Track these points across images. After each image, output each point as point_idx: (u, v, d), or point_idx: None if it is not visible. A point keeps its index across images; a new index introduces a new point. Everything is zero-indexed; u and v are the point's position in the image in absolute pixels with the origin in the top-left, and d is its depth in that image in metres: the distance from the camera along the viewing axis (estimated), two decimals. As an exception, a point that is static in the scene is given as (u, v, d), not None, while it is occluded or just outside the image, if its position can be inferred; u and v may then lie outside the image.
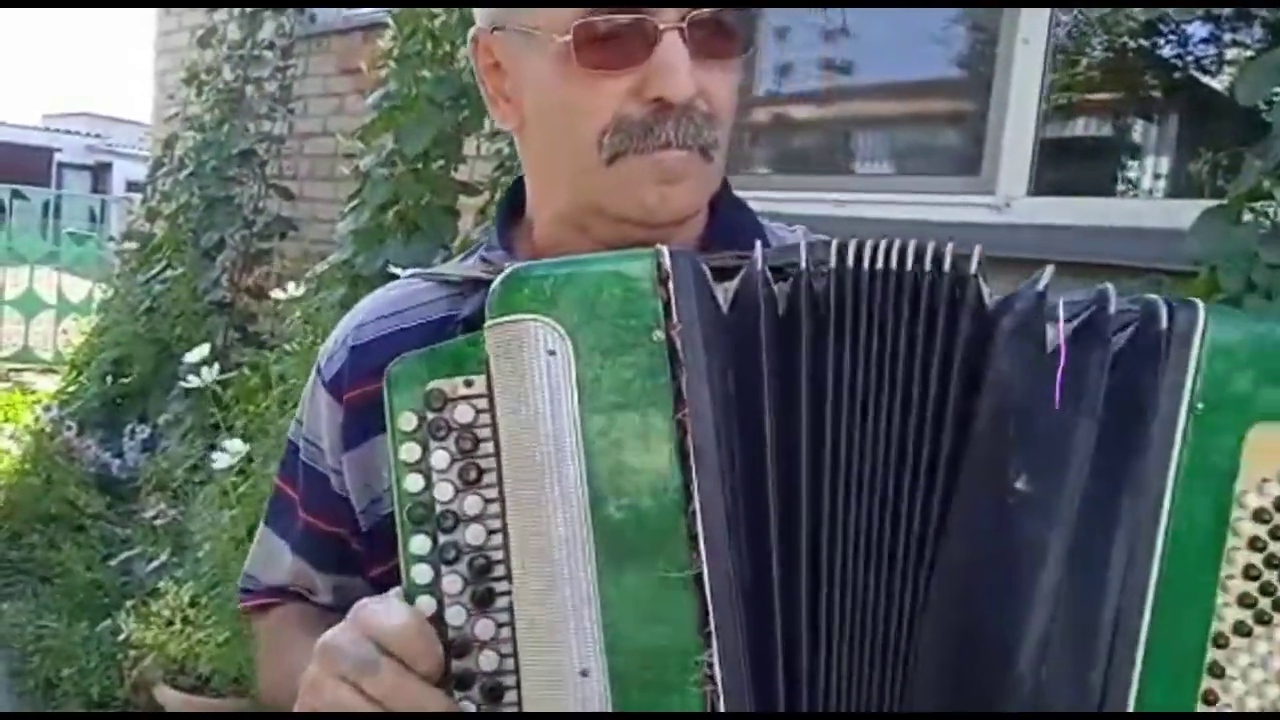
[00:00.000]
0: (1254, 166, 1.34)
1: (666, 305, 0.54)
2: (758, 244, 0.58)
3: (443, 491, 0.56)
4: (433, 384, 0.56)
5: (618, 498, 0.53)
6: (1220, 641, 0.54)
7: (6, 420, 4.46)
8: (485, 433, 0.56)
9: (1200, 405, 0.53)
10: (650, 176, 0.64)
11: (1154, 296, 0.56)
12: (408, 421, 0.56)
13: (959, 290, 0.56)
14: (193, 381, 2.25)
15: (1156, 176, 2.52)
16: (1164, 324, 0.54)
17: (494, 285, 0.56)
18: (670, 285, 0.54)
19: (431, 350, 0.58)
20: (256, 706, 2.10)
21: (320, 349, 0.79)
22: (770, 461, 0.55)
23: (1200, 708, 0.54)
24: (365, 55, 3.46)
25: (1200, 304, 0.55)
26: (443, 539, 0.56)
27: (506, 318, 0.55)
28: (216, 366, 2.28)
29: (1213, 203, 1.48)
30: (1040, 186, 2.32)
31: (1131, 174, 2.57)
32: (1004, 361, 0.54)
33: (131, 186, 14.64)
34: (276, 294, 2.30)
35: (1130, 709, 0.53)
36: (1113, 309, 0.55)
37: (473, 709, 0.55)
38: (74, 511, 3.37)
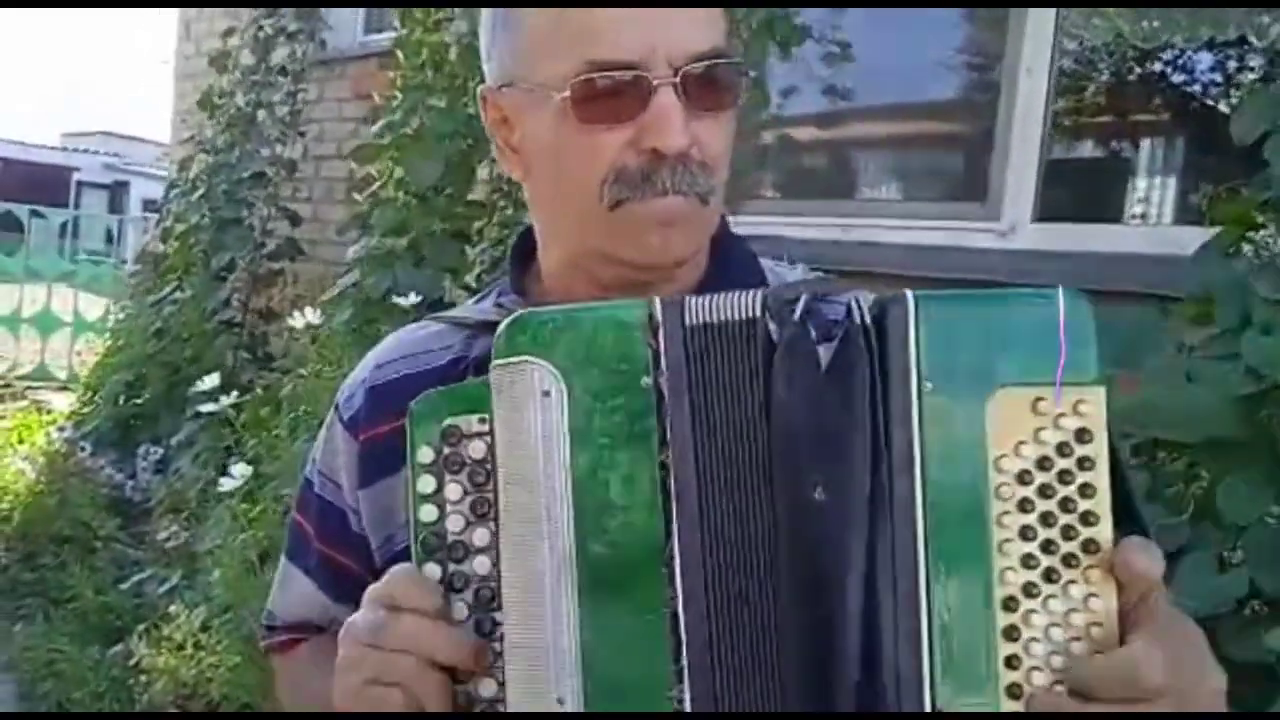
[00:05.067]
0: (1246, 198, 1.35)
1: (655, 354, 0.57)
2: (757, 291, 0.59)
3: (454, 523, 0.59)
4: (449, 420, 0.59)
5: (602, 534, 0.56)
6: (1011, 605, 0.54)
7: (21, 441, 4.50)
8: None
9: (929, 384, 0.55)
10: (650, 221, 0.67)
11: (864, 295, 0.58)
12: (425, 455, 0.59)
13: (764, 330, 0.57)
14: (207, 408, 2.29)
15: (1161, 203, 2.53)
16: (870, 318, 0.56)
17: (499, 329, 0.59)
18: (660, 335, 0.57)
19: (450, 388, 0.61)
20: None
21: (340, 384, 0.82)
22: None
23: (1005, 672, 0.54)
24: (380, 82, 3.51)
25: (909, 293, 0.56)
26: (452, 568, 0.59)
27: (508, 359, 0.58)
28: (233, 394, 2.31)
29: (1213, 232, 1.49)
30: (1045, 213, 2.34)
31: (1136, 201, 2.58)
32: (781, 387, 0.56)
33: (148, 205, 14.78)
34: (294, 321, 2.33)
35: (927, 678, 0.54)
36: (865, 319, 0.57)
37: None
38: (87, 533, 3.40)
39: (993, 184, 2.40)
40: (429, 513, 0.59)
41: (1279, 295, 1.31)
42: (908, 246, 2.47)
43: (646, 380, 0.56)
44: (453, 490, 0.59)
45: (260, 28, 4.09)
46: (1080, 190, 2.51)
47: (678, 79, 0.65)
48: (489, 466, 0.59)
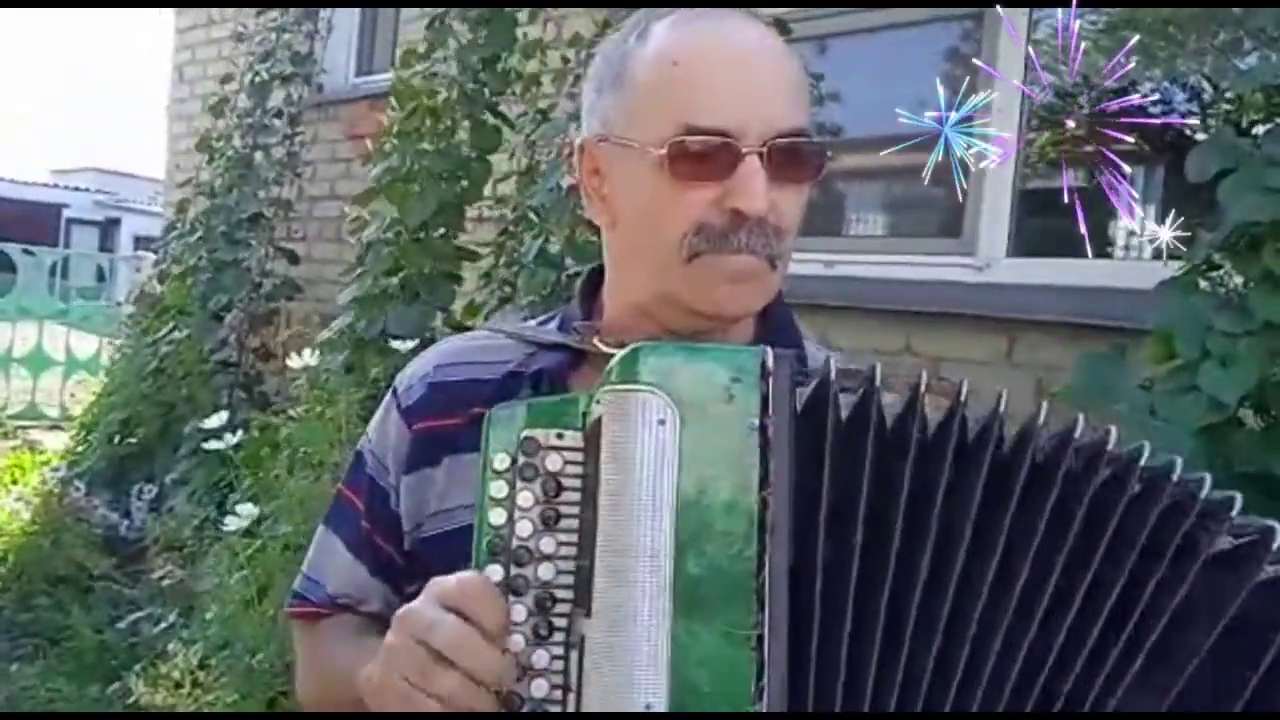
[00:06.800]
0: (1204, 240, 1.42)
1: (764, 398, 0.62)
2: (830, 356, 0.67)
3: (523, 529, 0.62)
4: (528, 431, 0.63)
5: (699, 555, 0.60)
6: None
7: (14, 482, 4.50)
8: (569, 481, 0.63)
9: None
10: (722, 276, 0.74)
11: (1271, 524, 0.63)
12: (501, 461, 0.63)
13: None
14: (212, 446, 2.33)
15: (1131, 234, 2.60)
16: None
17: (616, 357, 0.63)
18: (770, 381, 0.62)
19: (530, 402, 0.66)
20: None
21: (336, 422, 0.87)
22: (830, 546, 0.62)
23: None
24: (371, 123, 3.59)
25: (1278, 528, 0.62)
26: (514, 571, 0.62)
27: (624, 385, 0.62)
28: (238, 433, 2.36)
29: (1176, 266, 1.56)
30: (1020, 248, 2.42)
31: (1109, 235, 2.66)
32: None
33: (139, 242, 14.80)
34: (291, 362, 2.38)
35: None
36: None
37: None
38: (81, 573, 3.40)
39: (967, 220, 2.48)
40: (498, 516, 0.62)
41: (1237, 329, 1.38)
42: (889, 281, 2.55)
43: (753, 421, 0.61)
44: (524, 498, 0.62)
45: (256, 74, 4.17)
46: (1055, 225, 2.59)
47: (764, 149, 0.72)
48: (562, 480, 0.62)
